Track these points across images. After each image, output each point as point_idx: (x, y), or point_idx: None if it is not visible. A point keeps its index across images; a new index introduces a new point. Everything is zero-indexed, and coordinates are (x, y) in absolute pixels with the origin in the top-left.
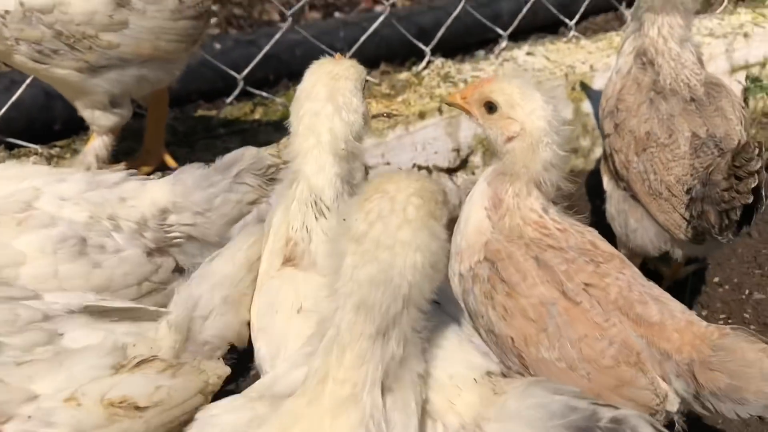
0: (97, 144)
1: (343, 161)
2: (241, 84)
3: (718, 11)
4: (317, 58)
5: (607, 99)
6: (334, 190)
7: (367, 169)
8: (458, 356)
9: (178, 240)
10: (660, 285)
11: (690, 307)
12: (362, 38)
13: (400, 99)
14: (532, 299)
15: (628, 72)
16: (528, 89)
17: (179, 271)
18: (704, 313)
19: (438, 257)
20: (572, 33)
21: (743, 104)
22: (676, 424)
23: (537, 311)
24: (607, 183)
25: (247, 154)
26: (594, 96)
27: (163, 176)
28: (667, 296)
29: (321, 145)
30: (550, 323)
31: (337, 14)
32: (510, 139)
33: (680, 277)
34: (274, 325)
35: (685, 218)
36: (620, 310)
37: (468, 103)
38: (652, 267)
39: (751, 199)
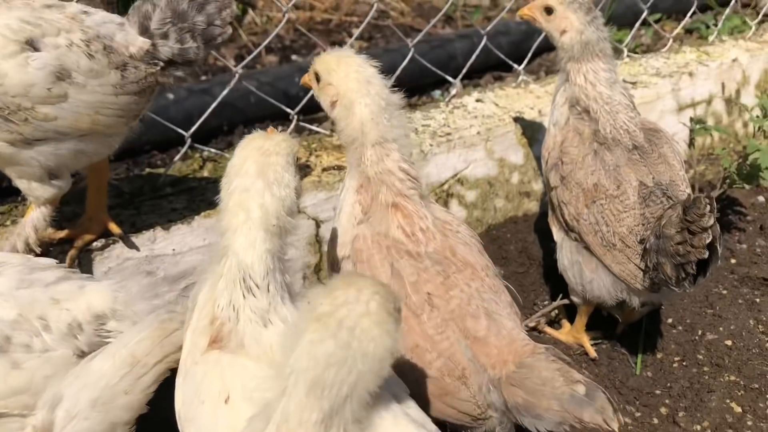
0: (36, 216)
1: (275, 237)
2: (188, 142)
3: (664, 50)
4: (272, 106)
5: (548, 151)
6: (264, 266)
7: (318, 223)
8: None
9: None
10: (615, 329)
11: (645, 350)
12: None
13: None
14: None
15: (566, 123)
16: (345, 56)
17: None
18: (659, 355)
19: (388, 354)
20: (521, 77)
21: (689, 145)
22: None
23: None
24: (556, 233)
25: (199, 268)
26: (542, 141)
27: (106, 246)
28: (504, 313)
29: (251, 221)
30: None
31: (294, 57)
32: (333, 104)
33: (634, 319)
34: (201, 415)
35: (640, 268)
36: (455, 321)
37: (309, 79)
38: (605, 313)
39: (706, 254)
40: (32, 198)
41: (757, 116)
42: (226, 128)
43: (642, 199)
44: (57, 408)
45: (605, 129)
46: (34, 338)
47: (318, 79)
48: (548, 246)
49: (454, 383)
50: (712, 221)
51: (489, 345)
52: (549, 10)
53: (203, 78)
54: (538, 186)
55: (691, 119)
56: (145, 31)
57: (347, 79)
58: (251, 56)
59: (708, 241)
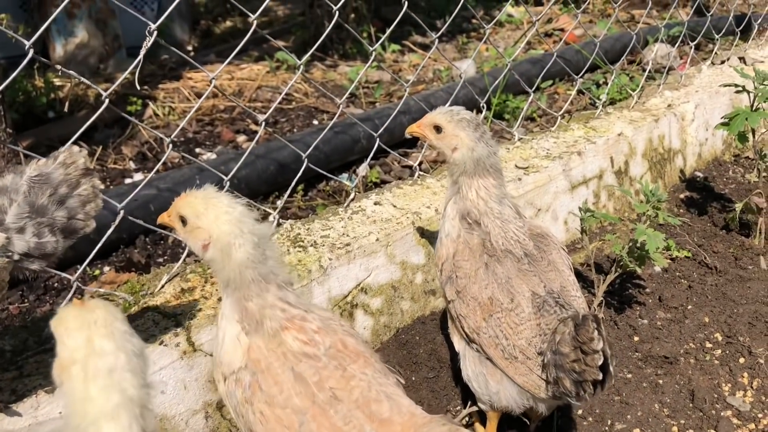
0: None
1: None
2: (74, 285)
3: (553, 129)
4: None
5: (442, 262)
6: None
7: None
8: None
9: None
10: (528, 427)
11: None
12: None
13: None
14: (287, 409)
15: (458, 236)
16: (212, 198)
17: None
18: None
19: None
20: (417, 173)
21: (581, 231)
22: None
23: (290, 419)
24: (457, 343)
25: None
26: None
27: None
28: (399, 393)
29: (128, 402)
30: (301, 430)
31: (198, 150)
32: (205, 247)
33: (545, 416)
34: None
35: (543, 379)
36: (359, 408)
37: (171, 220)
38: (515, 415)
39: (600, 376)
40: None
41: (641, 201)
42: (126, 238)
43: (536, 309)
44: None
45: (497, 241)
46: None
47: (184, 221)
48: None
49: None
50: (601, 344)
51: (393, 423)
52: (438, 129)
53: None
54: None
55: (580, 209)
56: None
57: (218, 221)
58: (156, 168)
59: (600, 362)
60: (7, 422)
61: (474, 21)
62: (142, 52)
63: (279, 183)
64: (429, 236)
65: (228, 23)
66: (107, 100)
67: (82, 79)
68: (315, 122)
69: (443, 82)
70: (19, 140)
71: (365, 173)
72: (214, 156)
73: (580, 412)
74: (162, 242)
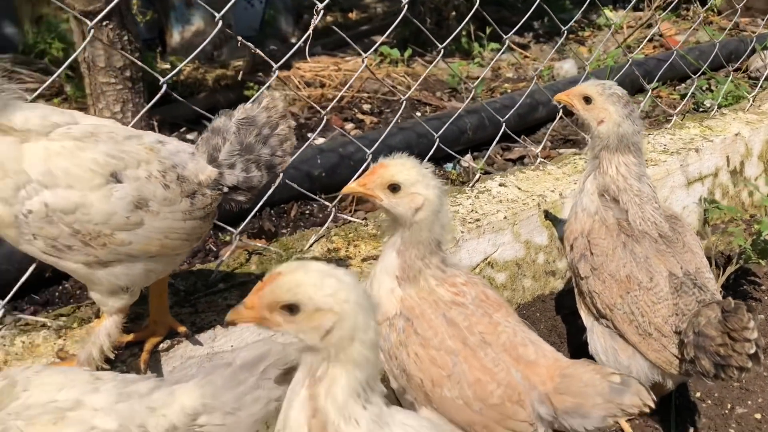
0: (108, 324)
1: None
2: (236, 240)
3: (668, 126)
4: (301, 187)
5: (574, 236)
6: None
7: None
8: None
9: None
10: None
11: (678, 425)
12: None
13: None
14: (441, 351)
15: (595, 212)
16: (421, 167)
17: None
18: (691, 430)
19: None
20: (539, 160)
21: (703, 222)
22: None
23: (444, 360)
24: (585, 318)
25: (273, 350)
26: (565, 222)
27: (171, 347)
28: (541, 340)
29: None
30: (453, 370)
31: (309, 135)
32: (417, 210)
33: (664, 394)
34: None
35: (676, 357)
36: (507, 352)
37: (371, 189)
38: None
39: (749, 364)
40: (105, 309)
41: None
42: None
43: (674, 289)
44: None
45: (635, 221)
46: None
47: (395, 188)
48: (575, 323)
49: (513, 407)
50: (755, 334)
51: (539, 365)
52: (588, 100)
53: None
54: (562, 264)
55: (704, 199)
56: (213, 160)
57: (431, 188)
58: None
59: (752, 351)
60: (190, 349)
61: (573, 24)
62: (313, 24)
63: None
64: (553, 219)
65: (329, 18)
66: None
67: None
68: (418, 114)
69: (544, 80)
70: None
71: (470, 164)
72: (322, 140)
73: (698, 394)
74: (284, 215)
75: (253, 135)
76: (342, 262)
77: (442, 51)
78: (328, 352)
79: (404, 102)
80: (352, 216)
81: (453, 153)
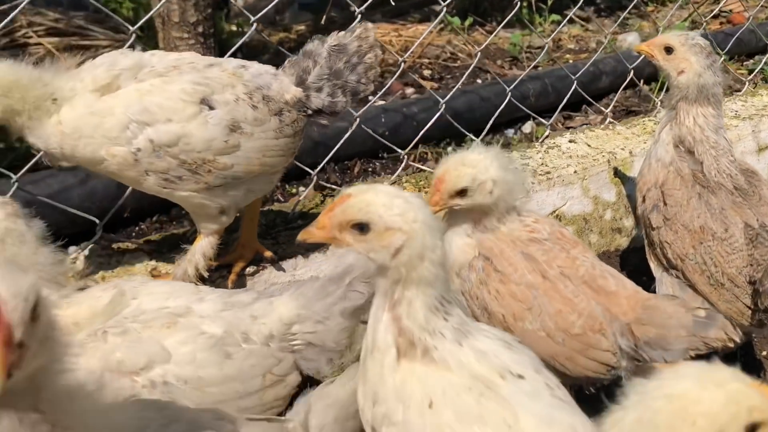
0: (204, 244)
1: None
2: (314, 179)
3: (740, 93)
4: (364, 145)
5: (648, 188)
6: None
7: None
8: None
9: (299, 347)
10: (708, 358)
11: None
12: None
13: None
14: (521, 285)
15: (670, 163)
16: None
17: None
18: None
19: None
20: (609, 120)
21: None
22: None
23: (524, 294)
24: (655, 269)
25: (357, 265)
26: (634, 180)
27: (256, 272)
28: (619, 274)
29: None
30: (534, 303)
31: (370, 98)
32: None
33: (729, 350)
34: (408, 419)
35: (749, 307)
36: (586, 284)
37: (446, 204)
38: None
39: None
40: (203, 230)
41: None
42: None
43: (749, 241)
44: (310, 418)
45: (710, 172)
46: (237, 348)
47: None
48: (640, 281)
49: (595, 336)
50: None
51: (619, 297)
52: (669, 50)
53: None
54: (629, 222)
55: None
56: (301, 82)
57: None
58: (381, 92)
59: None
60: (273, 275)
61: None
62: None
63: (450, 130)
64: (622, 176)
65: None
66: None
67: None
68: (479, 81)
69: (607, 52)
70: None
71: (531, 130)
72: (381, 102)
73: (765, 353)
74: (348, 171)
75: (342, 61)
76: None
77: (502, 20)
78: (399, 273)
79: (477, 55)
80: (423, 165)
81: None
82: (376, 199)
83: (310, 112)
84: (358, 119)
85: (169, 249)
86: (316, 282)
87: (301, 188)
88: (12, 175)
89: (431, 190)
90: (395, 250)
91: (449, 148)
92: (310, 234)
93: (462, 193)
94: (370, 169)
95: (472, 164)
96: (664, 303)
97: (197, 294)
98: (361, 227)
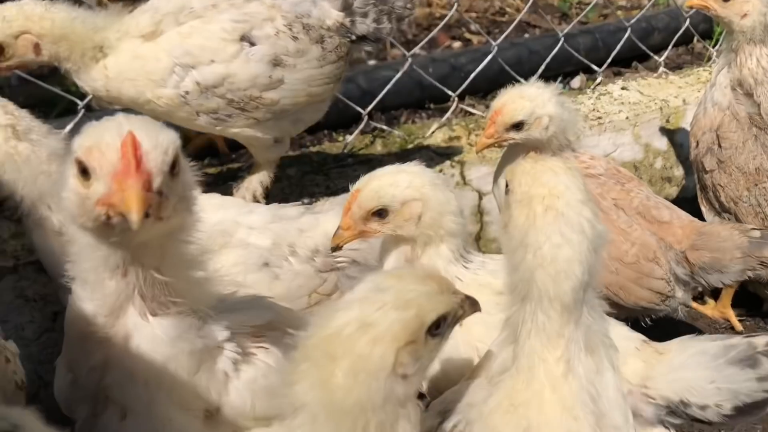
0: (262, 173)
1: None
2: (365, 119)
3: None
4: (410, 96)
5: (702, 132)
6: None
7: (481, 195)
8: (612, 331)
9: (343, 264)
10: (761, 308)
11: None
12: (476, 70)
13: None
14: None
15: (727, 106)
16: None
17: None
18: None
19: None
20: (662, 69)
21: None
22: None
23: None
24: (707, 213)
25: None
26: (686, 129)
27: (310, 203)
28: (674, 206)
29: None
30: None
31: (416, 51)
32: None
33: None
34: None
35: None
36: (640, 214)
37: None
38: (752, 290)
39: None
40: (261, 160)
41: None
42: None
43: None
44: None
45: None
46: (284, 262)
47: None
48: None
49: (649, 265)
50: None
51: (674, 226)
52: None
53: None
54: (678, 172)
55: None
56: (347, 7)
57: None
58: (425, 40)
59: None
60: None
61: None
62: None
63: (497, 83)
64: (674, 125)
65: None
66: None
67: None
68: (526, 35)
69: (661, 7)
70: None
71: (580, 84)
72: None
73: None
74: (395, 120)
75: None
76: (461, 149)
77: None
78: (427, 236)
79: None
80: (473, 108)
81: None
82: (381, 183)
83: (353, 38)
84: (410, 59)
85: (224, 181)
86: None
87: (348, 136)
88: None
89: (488, 121)
90: (417, 218)
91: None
92: (340, 238)
93: (518, 126)
94: (416, 120)
95: (531, 98)
96: (718, 228)
97: (246, 206)
98: (380, 213)
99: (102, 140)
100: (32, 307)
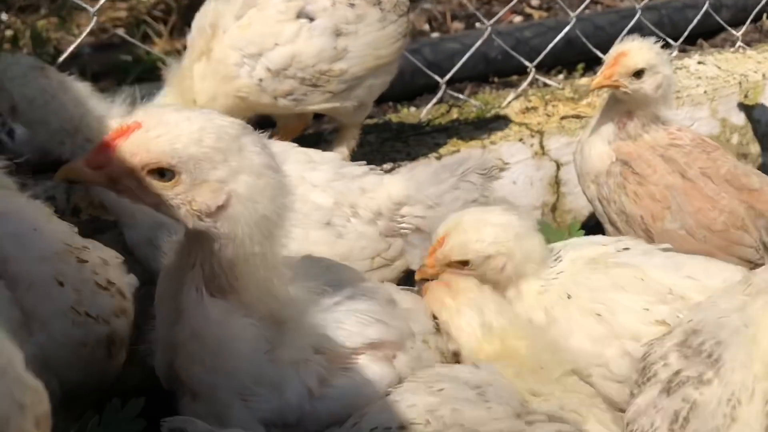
0: (348, 136)
1: None
2: (443, 87)
3: None
4: (475, 69)
5: None
6: None
7: (559, 166)
8: None
9: (406, 231)
10: None
11: None
12: (549, 46)
13: (584, 102)
14: (659, 186)
15: None
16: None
17: None
18: None
19: None
20: (739, 43)
21: None
22: None
23: (663, 194)
24: None
25: (474, 155)
26: (765, 105)
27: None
28: (763, 174)
29: None
30: (673, 202)
31: (477, 24)
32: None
33: None
34: (554, 318)
35: None
36: (728, 182)
37: (616, 79)
38: None
39: None
40: (346, 123)
41: None
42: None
43: None
44: None
45: None
46: (347, 222)
47: (639, 74)
48: None
49: (738, 233)
50: None
51: (764, 193)
52: None
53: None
54: (755, 149)
55: None
56: None
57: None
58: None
59: None
60: None
61: None
62: None
63: (561, 58)
64: (753, 100)
65: None
66: None
67: None
68: (587, 11)
69: None
70: None
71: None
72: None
73: None
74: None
75: None
76: (538, 119)
77: None
78: (509, 280)
79: None
80: (549, 80)
81: None
82: (468, 238)
83: None
84: (489, 28)
85: (309, 145)
86: (429, 167)
87: (412, 108)
88: None
89: (609, 62)
90: (501, 269)
91: (560, 76)
92: (423, 272)
93: (639, 74)
94: (480, 93)
95: (656, 51)
96: None
97: (310, 162)
98: (463, 263)
99: None
100: (132, 260)
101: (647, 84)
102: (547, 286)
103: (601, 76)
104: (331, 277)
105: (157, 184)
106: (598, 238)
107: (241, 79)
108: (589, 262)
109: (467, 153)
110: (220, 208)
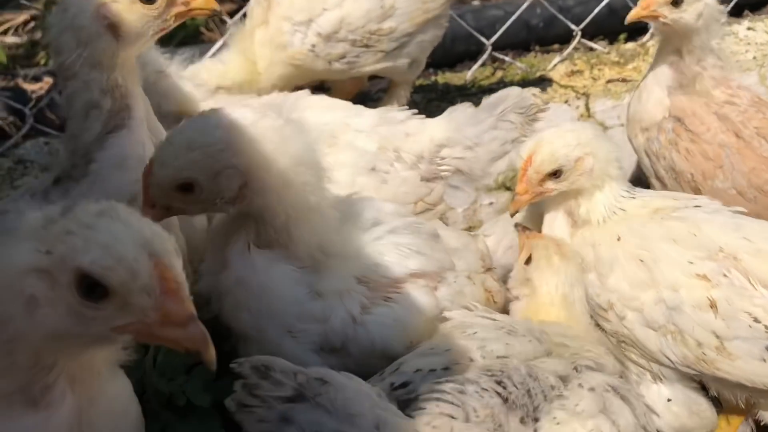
0: (399, 92)
1: None
2: (489, 49)
3: None
4: (516, 36)
5: None
6: None
7: (605, 128)
8: None
9: (446, 172)
10: None
11: None
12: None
13: (630, 66)
14: (713, 144)
15: None
16: None
17: None
18: None
19: None
20: None
21: None
22: None
23: (715, 152)
24: None
25: (512, 93)
26: None
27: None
28: None
29: None
30: (726, 161)
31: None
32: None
33: None
34: (600, 256)
35: None
36: None
37: (654, 9)
38: None
39: None
40: (399, 80)
41: None
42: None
43: None
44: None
45: None
46: (390, 167)
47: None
48: None
49: None
50: None
51: None
52: None
53: None
54: None
55: None
56: None
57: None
58: None
59: None
60: None
61: None
62: None
63: (604, 27)
64: None
65: None
66: None
67: None
68: None
69: None
70: None
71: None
72: None
73: None
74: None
75: None
76: (584, 82)
77: None
78: (593, 186)
79: None
80: (595, 43)
81: None
82: (554, 146)
83: None
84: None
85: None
86: (468, 108)
87: (448, 72)
88: None
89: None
90: (590, 170)
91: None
92: (518, 203)
93: (677, 2)
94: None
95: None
96: None
97: (354, 108)
98: (555, 173)
99: None
100: None
101: (688, 13)
102: (609, 213)
103: (638, 7)
104: (375, 213)
105: (186, 198)
106: (675, 194)
107: (294, 47)
108: (653, 211)
109: (505, 92)
110: (243, 188)
